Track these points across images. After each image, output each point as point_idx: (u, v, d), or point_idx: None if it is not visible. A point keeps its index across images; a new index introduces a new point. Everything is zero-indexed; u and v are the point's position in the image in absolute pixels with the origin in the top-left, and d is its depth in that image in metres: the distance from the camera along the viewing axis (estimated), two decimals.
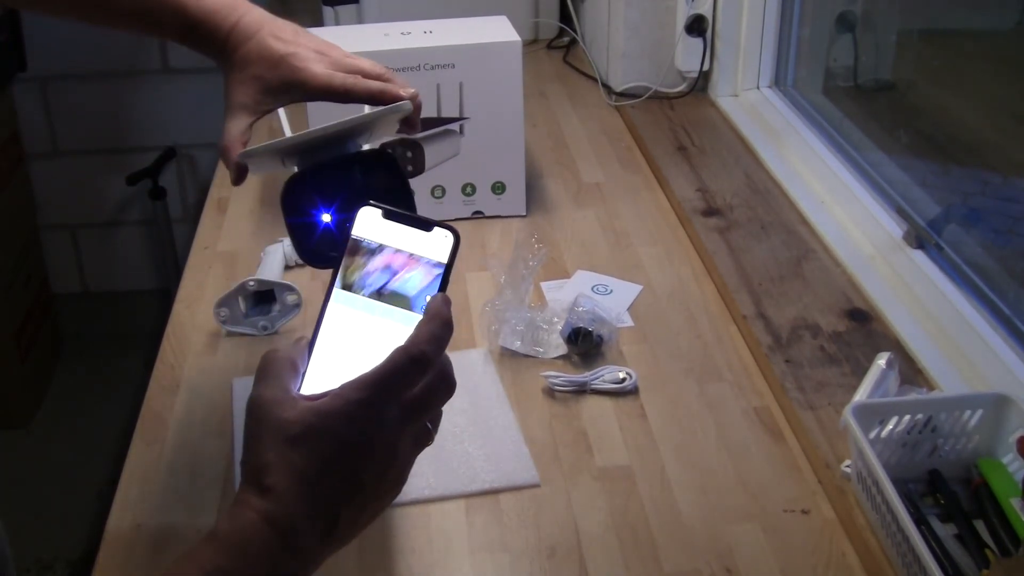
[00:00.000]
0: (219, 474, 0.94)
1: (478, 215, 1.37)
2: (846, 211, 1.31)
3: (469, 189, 1.36)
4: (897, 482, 0.80)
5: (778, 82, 1.68)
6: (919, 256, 1.19)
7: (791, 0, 1.62)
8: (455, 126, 1.32)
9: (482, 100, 1.30)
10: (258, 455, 0.57)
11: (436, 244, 0.63)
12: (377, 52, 1.26)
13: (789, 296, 1.16)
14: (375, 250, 0.63)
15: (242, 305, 1.13)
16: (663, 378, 1.06)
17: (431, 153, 1.32)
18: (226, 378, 1.07)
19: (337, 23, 1.84)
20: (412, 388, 0.59)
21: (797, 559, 0.84)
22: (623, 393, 1.03)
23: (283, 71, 0.85)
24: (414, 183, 1.33)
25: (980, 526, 0.83)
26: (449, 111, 1.30)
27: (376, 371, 0.58)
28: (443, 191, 1.35)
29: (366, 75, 0.85)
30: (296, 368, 0.61)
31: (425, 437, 0.62)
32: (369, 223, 0.63)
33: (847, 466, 0.89)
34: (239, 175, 0.84)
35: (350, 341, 0.62)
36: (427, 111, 1.30)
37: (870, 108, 1.53)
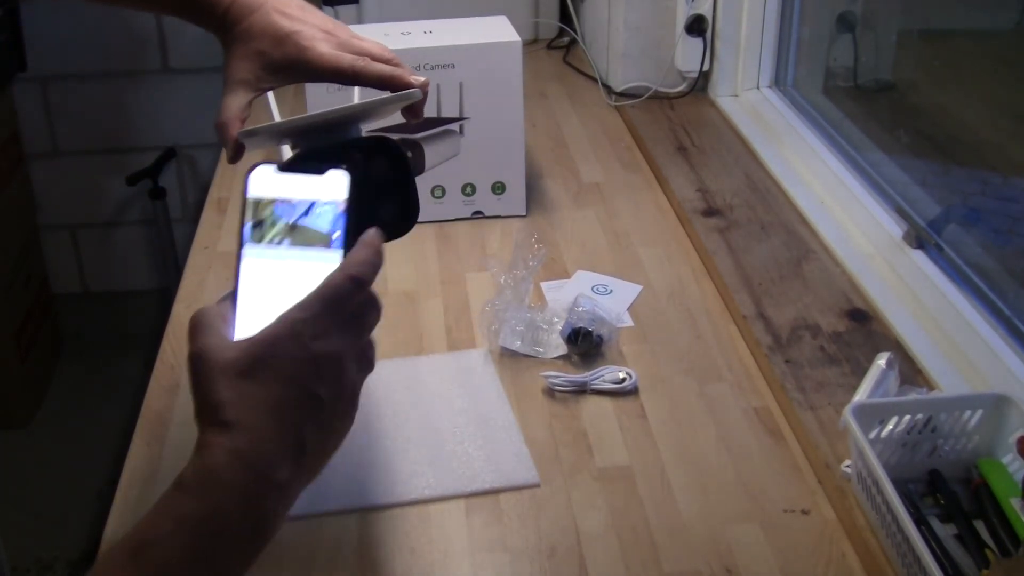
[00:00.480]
0: None
1: (478, 215, 1.37)
2: (846, 211, 1.31)
3: (469, 189, 1.36)
4: (897, 482, 0.80)
5: (778, 82, 1.68)
6: (919, 256, 1.19)
7: (791, 0, 1.62)
8: (455, 126, 1.32)
9: (482, 100, 1.30)
10: (212, 396, 0.56)
11: (335, 185, 0.63)
12: None
13: (789, 296, 1.16)
14: (274, 202, 0.64)
15: None
16: (663, 378, 1.06)
17: (431, 153, 1.32)
18: None
19: None
20: (350, 306, 0.60)
21: (797, 559, 0.84)
22: (623, 393, 1.03)
23: (288, 49, 0.82)
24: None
25: (980, 526, 0.83)
26: (449, 111, 1.31)
27: (315, 293, 0.59)
28: (443, 191, 1.35)
29: (374, 58, 0.83)
30: (227, 319, 0.61)
31: (366, 363, 0.62)
32: (266, 180, 0.64)
33: (847, 466, 0.89)
34: (236, 153, 0.82)
35: (270, 290, 0.63)
36: (427, 111, 1.30)
37: (870, 108, 1.53)
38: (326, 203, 0.63)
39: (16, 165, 2.52)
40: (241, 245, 0.63)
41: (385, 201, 0.77)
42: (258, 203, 0.64)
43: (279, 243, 0.63)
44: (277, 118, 1.00)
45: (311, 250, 0.63)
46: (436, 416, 0.99)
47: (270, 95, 1.01)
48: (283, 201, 0.64)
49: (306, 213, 0.63)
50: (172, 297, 1.22)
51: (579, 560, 0.85)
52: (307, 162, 0.64)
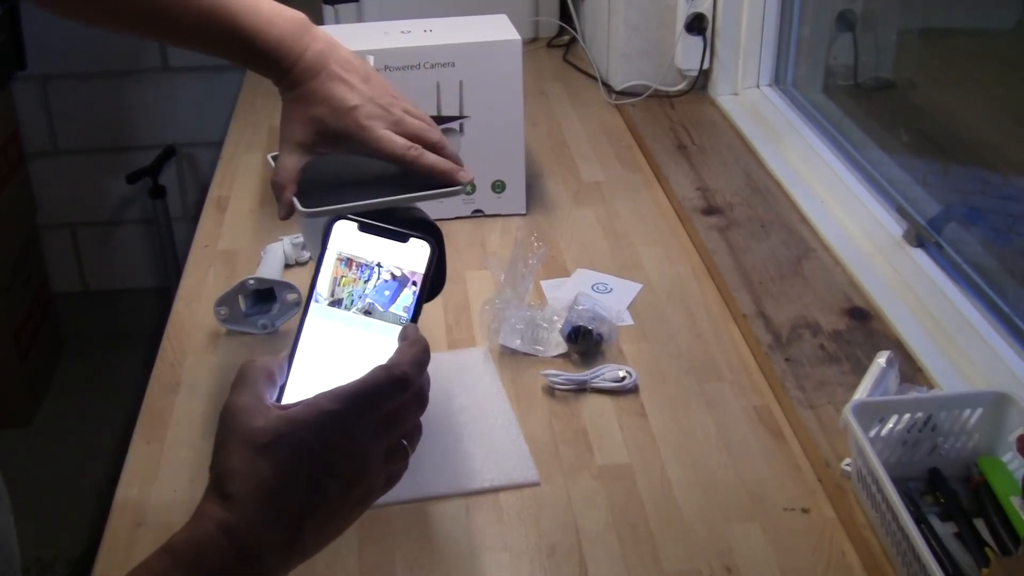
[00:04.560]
0: None
1: (478, 214, 1.37)
2: (846, 210, 1.31)
3: (469, 188, 1.36)
4: (897, 481, 0.80)
5: (778, 81, 1.68)
6: (919, 255, 1.19)
7: None
8: (455, 125, 1.32)
9: (482, 99, 1.30)
10: (224, 461, 0.56)
11: (413, 255, 0.63)
12: (377, 51, 1.26)
13: (789, 295, 1.16)
14: (352, 263, 0.63)
15: (242, 304, 1.13)
16: (663, 377, 1.06)
17: None
18: (226, 377, 1.07)
19: (337, 22, 1.84)
20: (387, 406, 0.58)
21: (797, 558, 0.84)
22: (623, 392, 1.03)
23: (347, 122, 0.85)
24: None
25: (980, 525, 0.83)
26: (449, 110, 1.30)
27: (354, 385, 0.57)
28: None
29: (426, 144, 0.87)
30: (273, 378, 0.60)
31: (400, 454, 0.61)
32: (345, 236, 0.63)
33: (847, 465, 0.89)
34: (289, 212, 0.87)
35: (329, 354, 0.62)
36: (427, 110, 1.30)
37: (870, 107, 1.53)
38: (401, 273, 0.62)
39: (16, 165, 2.52)
40: (309, 300, 0.63)
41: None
42: (335, 258, 0.63)
43: (347, 306, 0.62)
44: None
45: (376, 322, 0.62)
46: (436, 415, 0.99)
47: None
48: (360, 262, 0.63)
49: (381, 280, 0.62)
50: (172, 296, 1.22)
51: (579, 559, 0.85)
52: (390, 228, 0.63)
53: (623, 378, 1.04)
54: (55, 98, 2.58)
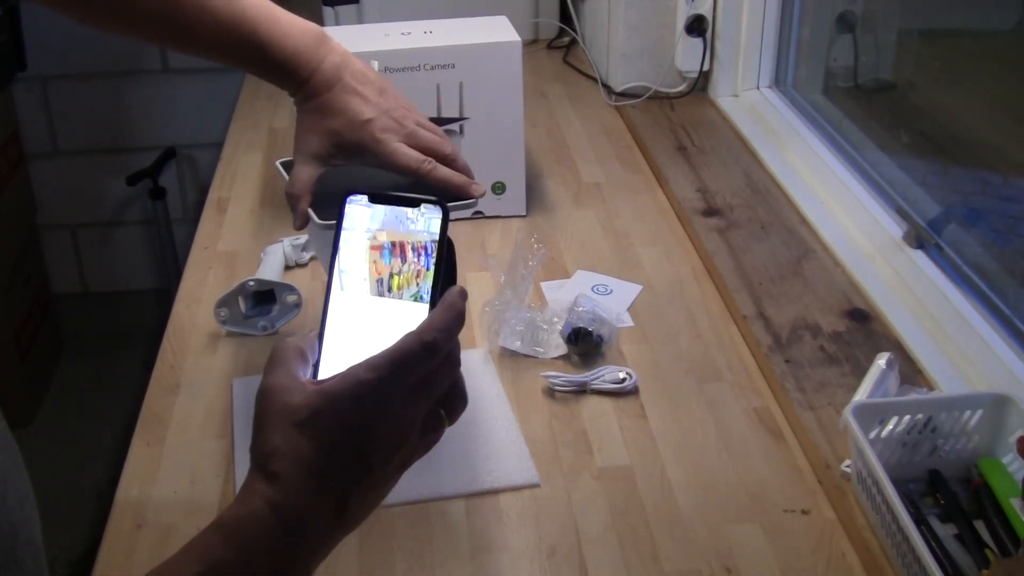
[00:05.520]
0: (219, 474, 0.94)
1: (478, 215, 1.37)
2: (846, 211, 1.31)
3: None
4: (897, 482, 0.80)
5: (778, 82, 1.68)
6: (919, 256, 1.19)
7: (791, 0, 1.62)
8: (455, 126, 1.32)
9: (482, 100, 1.30)
10: (266, 441, 0.57)
11: (426, 222, 0.63)
12: (377, 52, 1.26)
13: (789, 296, 1.16)
14: (369, 238, 0.63)
15: (242, 305, 1.13)
16: (663, 378, 1.06)
17: None
18: (226, 378, 1.07)
19: (337, 23, 1.84)
20: (420, 372, 0.58)
21: (797, 559, 0.84)
22: (623, 393, 1.03)
23: (362, 135, 0.87)
24: None
25: (980, 526, 0.83)
26: (449, 111, 1.30)
27: (386, 354, 0.57)
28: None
29: (439, 157, 0.88)
30: (304, 356, 0.60)
31: (436, 422, 0.61)
32: (359, 212, 0.63)
33: (847, 466, 0.89)
34: (304, 223, 0.89)
35: (357, 328, 0.62)
36: (427, 111, 1.30)
37: (870, 108, 1.53)
38: (418, 239, 0.62)
39: (16, 165, 2.52)
40: (330, 279, 0.63)
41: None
42: (352, 235, 0.63)
43: (368, 280, 0.62)
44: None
45: (399, 293, 0.62)
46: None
47: None
48: (375, 235, 0.63)
49: (398, 251, 0.62)
50: (172, 297, 1.22)
51: (579, 560, 0.85)
52: (400, 195, 0.63)
53: (623, 379, 1.04)
54: (55, 98, 2.58)
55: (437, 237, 0.62)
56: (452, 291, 0.61)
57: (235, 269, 1.26)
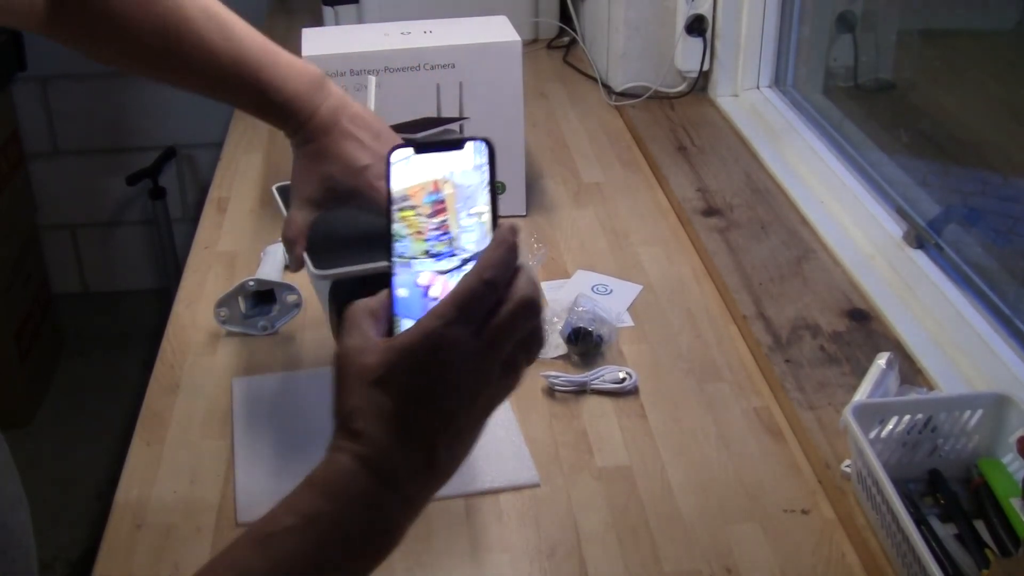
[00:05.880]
0: (219, 474, 0.94)
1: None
2: (846, 211, 1.31)
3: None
4: (897, 482, 0.80)
5: (778, 82, 1.68)
6: (919, 256, 1.19)
7: (791, 0, 1.62)
8: (455, 126, 1.32)
9: (482, 100, 1.30)
10: (345, 402, 0.57)
11: (473, 159, 0.62)
12: (377, 52, 1.26)
13: (789, 296, 1.16)
14: (420, 191, 0.62)
15: (242, 305, 1.13)
16: (663, 378, 1.06)
17: None
18: (226, 378, 1.07)
19: (337, 23, 1.84)
20: (486, 311, 0.58)
21: (797, 559, 0.84)
22: (623, 393, 1.03)
23: (358, 182, 0.87)
24: None
25: (980, 526, 0.83)
26: (449, 111, 1.30)
27: (448, 299, 0.57)
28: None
29: None
30: (377, 316, 0.61)
31: (515, 364, 0.60)
32: (405, 168, 0.62)
33: (847, 466, 0.89)
34: (300, 266, 0.89)
35: (423, 280, 0.62)
36: (427, 111, 1.30)
37: (870, 108, 1.53)
38: (469, 183, 0.61)
39: (16, 165, 2.52)
40: (391, 238, 0.62)
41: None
42: (403, 191, 0.62)
43: (426, 232, 0.62)
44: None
45: (462, 235, 0.62)
46: None
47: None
48: (426, 187, 0.62)
49: (451, 196, 0.62)
50: (172, 297, 1.22)
51: (579, 560, 0.85)
52: (443, 140, 0.62)
53: (623, 379, 1.04)
54: (55, 98, 2.58)
55: (488, 179, 0.62)
56: (502, 227, 0.61)
57: (235, 269, 1.26)
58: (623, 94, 1.74)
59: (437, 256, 0.62)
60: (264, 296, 1.14)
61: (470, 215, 0.62)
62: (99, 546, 0.87)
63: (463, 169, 0.62)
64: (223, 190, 1.47)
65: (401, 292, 0.61)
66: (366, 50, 1.26)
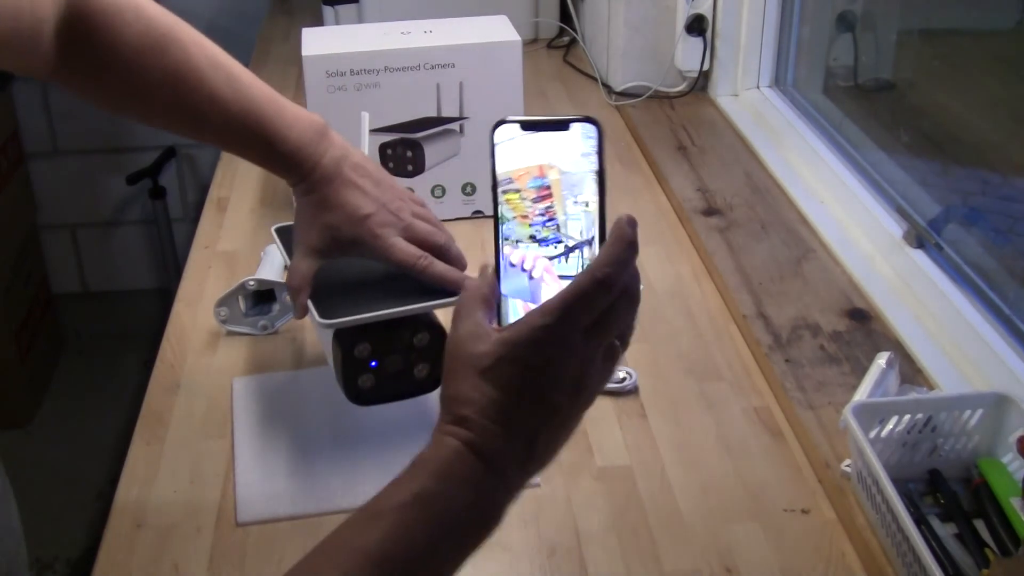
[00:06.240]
0: (219, 474, 0.94)
1: (478, 215, 1.37)
2: (846, 211, 1.31)
3: (469, 189, 1.36)
4: (897, 482, 0.80)
5: (778, 82, 1.68)
6: (919, 256, 1.19)
7: (791, 0, 1.62)
8: (455, 126, 1.32)
9: (482, 100, 1.30)
10: (455, 388, 0.60)
11: (580, 140, 0.62)
12: (377, 52, 1.26)
13: (789, 296, 1.16)
14: (525, 176, 0.62)
15: (242, 304, 1.13)
16: (663, 378, 1.06)
17: (431, 153, 1.32)
18: (226, 378, 1.07)
19: (337, 23, 1.84)
20: (596, 311, 0.60)
21: (797, 559, 0.84)
22: (623, 393, 1.03)
23: (361, 231, 0.89)
24: (414, 182, 1.33)
25: (980, 526, 0.83)
26: (449, 111, 1.30)
27: (560, 296, 0.59)
28: (443, 191, 1.35)
29: (434, 247, 0.90)
30: (488, 302, 0.63)
31: (613, 352, 0.62)
32: (507, 149, 0.62)
33: (847, 466, 0.89)
34: (304, 314, 0.91)
35: (528, 267, 0.63)
36: (427, 111, 1.30)
37: (870, 108, 1.53)
38: (575, 169, 0.62)
39: (16, 165, 2.52)
40: (497, 221, 0.63)
41: None
42: (507, 173, 0.62)
43: (531, 217, 0.62)
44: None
45: (570, 221, 0.62)
46: (437, 416, 0.99)
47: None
48: (531, 172, 0.62)
49: (560, 180, 0.62)
50: (172, 297, 1.22)
51: (579, 560, 0.85)
52: (548, 120, 0.62)
53: (623, 379, 1.04)
54: (55, 98, 2.58)
55: (597, 167, 0.62)
56: (620, 221, 0.62)
57: (235, 269, 1.26)
58: (623, 94, 1.74)
59: (543, 242, 0.63)
60: (264, 296, 1.14)
61: (576, 203, 0.62)
62: (99, 546, 0.87)
63: (569, 154, 0.62)
64: (223, 190, 1.47)
65: (510, 275, 0.62)
66: (366, 50, 1.26)
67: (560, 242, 0.62)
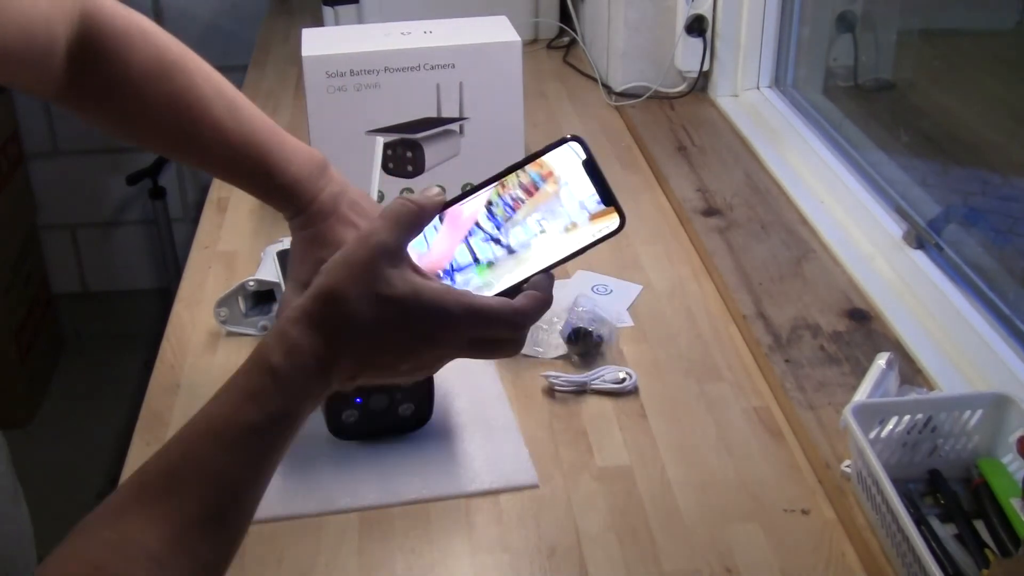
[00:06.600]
0: None
1: None
2: (846, 211, 1.31)
3: (469, 188, 1.36)
4: (897, 482, 0.80)
5: (778, 82, 1.68)
6: (919, 256, 1.19)
7: (791, 0, 1.62)
8: (455, 126, 1.32)
9: (482, 100, 1.30)
10: (344, 285, 0.60)
11: (588, 205, 0.64)
12: (377, 52, 1.26)
13: (789, 296, 1.16)
14: (538, 168, 0.65)
15: (242, 305, 1.13)
16: (663, 378, 1.06)
17: (431, 153, 1.32)
18: (226, 378, 1.07)
19: (337, 23, 1.84)
20: (491, 336, 0.63)
21: (797, 559, 0.84)
22: (623, 393, 1.03)
23: None
24: (414, 182, 1.33)
25: (980, 526, 0.83)
26: (449, 111, 1.30)
27: (480, 303, 0.62)
28: (443, 191, 1.35)
29: None
30: (419, 227, 0.64)
31: (480, 351, 0.64)
32: (555, 154, 0.64)
33: (847, 466, 0.89)
34: None
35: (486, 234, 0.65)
36: (427, 111, 1.30)
37: (870, 108, 1.53)
38: (566, 209, 0.64)
39: (16, 165, 2.52)
40: (491, 179, 0.65)
41: None
42: (534, 164, 0.65)
43: (502, 195, 0.65)
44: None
45: (512, 225, 0.65)
46: (436, 416, 0.99)
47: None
48: (544, 169, 0.64)
49: (543, 194, 0.64)
50: (172, 297, 1.22)
51: (579, 560, 0.85)
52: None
53: (623, 379, 1.04)
54: None
55: (583, 246, 0.64)
56: (543, 278, 0.64)
57: (235, 269, 1.26)
58: (623, 94, 1.74)
59: (490, 215, 0.65)
60: (264, 296, 1.14)
61: (538, 223, 0.64)
62: None
63: (575, 194, 0.64)
64: (223, 190, 1.47)
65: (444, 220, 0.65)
66: (366, 50, 1.26)
67: (499, 228, 0.65)
